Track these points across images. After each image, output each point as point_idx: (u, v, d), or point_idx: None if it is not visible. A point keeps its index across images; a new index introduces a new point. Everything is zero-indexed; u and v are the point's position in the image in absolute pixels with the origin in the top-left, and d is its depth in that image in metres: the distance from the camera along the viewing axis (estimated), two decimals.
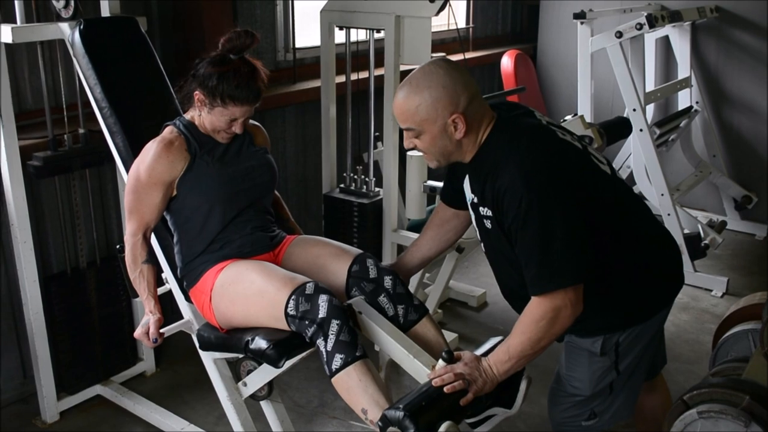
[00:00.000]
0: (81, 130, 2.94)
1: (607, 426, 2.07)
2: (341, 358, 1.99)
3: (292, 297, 2.04)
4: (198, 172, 2.25)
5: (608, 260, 1.90)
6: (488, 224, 1.93)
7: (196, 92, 2.22)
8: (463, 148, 1.92)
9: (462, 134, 1.87)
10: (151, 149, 2.23)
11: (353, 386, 2.00)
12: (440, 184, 3.32)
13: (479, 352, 2.02)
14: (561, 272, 1.78)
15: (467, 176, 1.99)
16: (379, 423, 1.87)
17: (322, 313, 2.01)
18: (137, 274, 2.25)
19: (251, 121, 2.42)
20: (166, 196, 2.25)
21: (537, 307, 1.83)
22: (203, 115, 2.26)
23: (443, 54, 1.98)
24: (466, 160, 1.95)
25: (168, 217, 2.36)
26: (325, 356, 2.01)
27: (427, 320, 2.25)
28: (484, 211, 1.92)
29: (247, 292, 2.14)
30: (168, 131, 2.29)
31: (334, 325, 2.00)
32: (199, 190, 2.25)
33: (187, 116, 2.33)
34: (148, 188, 2.22)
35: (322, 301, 2.02)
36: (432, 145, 1.91)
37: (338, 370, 2.00)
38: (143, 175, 2.21)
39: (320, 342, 2.02)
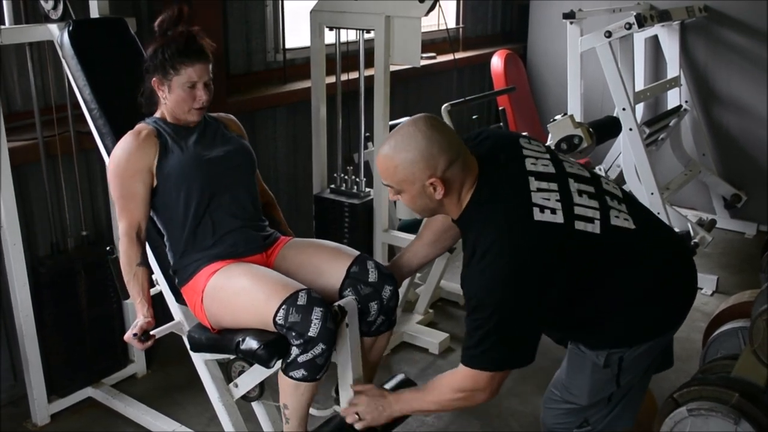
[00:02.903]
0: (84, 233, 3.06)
1: None
2: (303, 375, 2.09)
3: (283, 306, 2.03)
4: (173, 158, 2.26)
5: (613, 285, 1.89)
6: None
7: (153, 79, 2.28)
8: (445, 206, 1.91)
9: (441, 195, 1.85)
10: (121, 144, 2.28)
11: (292, 394, 2.15)
12: None
13: (387, 386, 2.31)
14: (492, 359, 1.85)
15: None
16: None
17: (312, 332, 2.01)
18: (131, 277, 2.25)
19: (222, 114, 2.50)
20: (147, 187, 2.26)
21: (462, 379, 1.91)
22: (168, 101, 2.30)
23: (427, 114, 1.93)
24: (453, 216, 1.94)
25: (155, 217, 2.36)
26: (290, 359, 2.08)
27: (388, 334, 2.35)
28: None
29: (238, 298, 2.14)
30: (137, 126, 2.34)
31: (318, 348, 2.04)
32: (176, 175, 2.25)
33: (156, 114, 2.37)
34: (128, 180, 2.24)
35: (316, 317, 2.01)
36: (413, 203, 1.92)
37: (292, 377, 2.10)
38: (119, 168, 2.24)
39: (296, 350, 2.06)
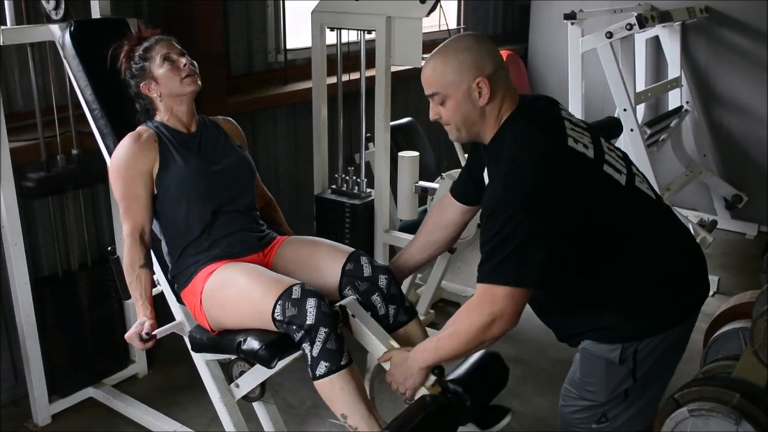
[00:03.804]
0: (75, 151, 2.99)
1: None
2: (326, 366, 2.02)
3: (279, 302, 2.04)
4: (174, 168, 2.27)
5: (619, 265, 1.90)
6: None
7: (141, 84, 2.33)
8: (486, 119, 1.92)
9: (486, 100, 1.88)
10: (121, 146, 2.30)
11: (336, 394, 2.04)
12: (432, 185, 3.35)
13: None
14: (507, 271, 1.79)
15: (486, 168, 2.00)
16: None
17: (310, 319, 2.01)
18: (134, 279, 2.25)
19: (222, 117, 2.51)
20: (149, 189, 2.27)
21: (477, 301, 1.85)
22: (162, 95, 2.33)
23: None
24: (486, 138, 1.95)
25: (155, 223, 2.36)
26: (309, 360, 2.03)
27: (416, 323, 2.27)
28: None
29: (235, 297, 2.15)
30: (138, 129, 2.35)
31: (322, 333, 2.01)
32: (176, 187, 2.26)
33: (156, 119, 2.38)
34: (129, 182, 2.25)
35: (310, 306, 2.02)
36: (456, 112, 1.93)
37: (321, 377, 2.03)
38: (121, 170, 2.26)
39: (306, 346, 2.03)
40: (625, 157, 2.03)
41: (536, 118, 1.93)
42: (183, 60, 2.31)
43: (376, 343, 2.13)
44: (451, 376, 2.11)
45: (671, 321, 1.96)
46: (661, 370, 2.03)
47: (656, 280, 1.93)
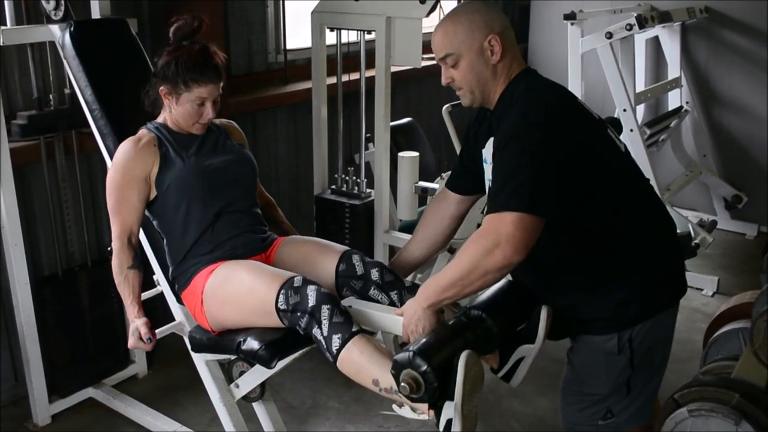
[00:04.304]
0: (67, 91, 2.93)
1: (624, 427, 2.05)
2: (338, 338, 1.98)
3: (282, 291, 2.04)
4: (174, 169, 2.27)
5: (608, 242, 1.92)
6: None
7: (161, 88, 2.28)
8: (497, 77, 1.94)
9: (498, 57, 1.91)
10: (120, 149, 2.29)
11: (357, 361, 1.96)
12: (431, 185, 3.35)
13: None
14: (519, 197, 1.73)
15: (488, 142, 1.97)
16: (392, 371, 1.80)
17: (311, 301, 2.01)
18: (122, 279, 2.24)
19: (224, 120, 2.49)
20: (142, 195, 2.26)
21: (484, 227, 1.76)
22: (174, 111, 2.31)
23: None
24: (495, 99, 1.96)
25: (154, 222, 2.37)
26: (323, 342, 1.99)
27: None
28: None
29: (237, 291, 2.15)
30: (139, 132, 2.34)
31: (325, 311, 2.00)
32: (177, 187, 2.26)
33: (159, 119, 2.37)
34: (123, 187, 2.24)
35: (311, 291, 2.03)
36: (469, 71, 1.94)
37: (339, 351, 1.97)
38: (117, 175, 2.25)
39: (315, 330, 2.01)
40: (625, 148, 2.07)
41: (544, 78, 2.00)
42: (210, 112, 2.29)
43: (380, 316, 2.07)
44: (470, 305, 1.99)
45: (661, 304, 2.00)
46: (655, 360, 2.05)
47: (648, 262, 1.96)
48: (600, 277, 1.95)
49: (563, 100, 1.93)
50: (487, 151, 1.98)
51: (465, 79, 1.96)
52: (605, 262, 1.94)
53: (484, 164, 2.04)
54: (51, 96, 2.91)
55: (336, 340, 1.98)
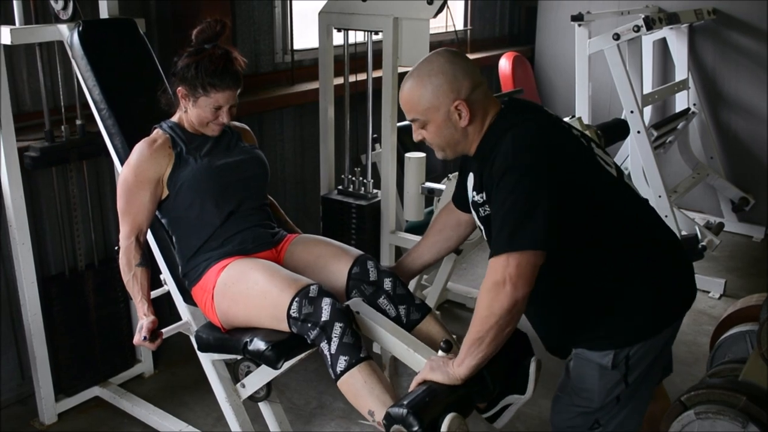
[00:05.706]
0: (78, 122, 2.94)
1: None
2: (345, 360, 1.99)
3: (296, 299, 2.04)
4: (186, 168, 2.27)
5: (608, 267, 1.90)
6: (484, 212, 1.92)
7: (179, 88, 2.29)
8: (468, 137, 1.92)
9: (467, 122, 1.88)
10: (135, 150, 2.29)
11: (359, 388, 2.00)
12: (438, 186, 3.35)
13: None
14: (513, 237, 1.74)
15: (471, 174, 2.00)
16: (384, 421, 1.85)
17: (325, 316, 2.01)
18: (130, 277, 2.26)
19: (238, 123, 2.49)
20: (154, 196, 2.27)
21: (487, 276, 1.77)
22: (189, 111, 2.31)
23: (446, 47, 1.98)
24: (471, 151, 1.95)
25: (164, 220, 2.37)
26: (329, 359, 2.02)
27: (431, 318, 2.24)
28: (481, 198, 1.92)
29: (250, 292, 2.15)
30: (153, 132, 2.34)
31: (338, 328, 2.01)
32: (189, 186, 2.27)
33: (174, 118, 2.37)
34: (135, 188, 2.25)
35: (326, 304, 2.03)
36: (438, 135, 1.93)
37: (343, 373, 2.00)
38: (130, 175, 2.26)
39: (324, 345, 2.02)
40: (617, 167, 2.04)
41: (523, 108, 1.96)
42: (225, 117, 2.29)
43: (384, 334, 2.10)
44: None
45: (662, 324, 1.96)
46: (650, 373, 2.03)
47: (647, 283, 1.92)
48: (600, 302, 1.92)
49: (546, 133, 1.87)
50: (470, 185, 2.01)
51: (434, 140, 1.96)
52: (605, 286, 1.91)
53: (468, 195, 2.03)
54: (62, 128, 2.91)
55: (342, 362, 2.00)
